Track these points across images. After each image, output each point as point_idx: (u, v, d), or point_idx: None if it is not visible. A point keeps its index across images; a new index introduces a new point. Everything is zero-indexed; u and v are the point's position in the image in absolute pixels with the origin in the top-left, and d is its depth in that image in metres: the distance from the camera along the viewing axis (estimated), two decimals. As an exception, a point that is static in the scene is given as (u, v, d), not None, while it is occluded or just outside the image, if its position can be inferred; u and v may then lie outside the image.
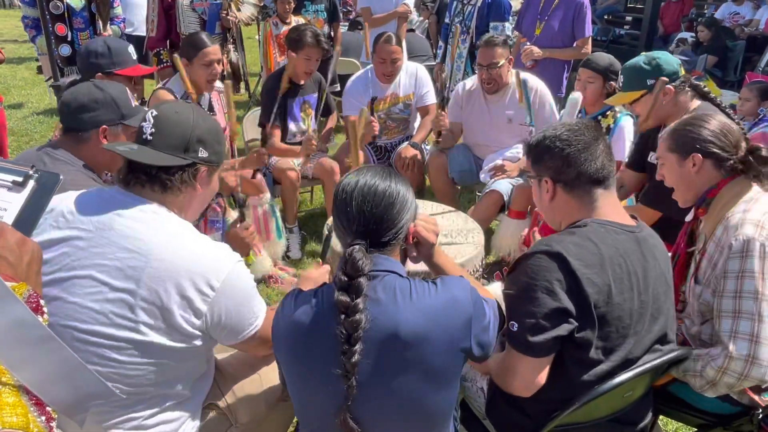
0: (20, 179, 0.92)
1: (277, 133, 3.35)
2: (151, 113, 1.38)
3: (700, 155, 1.62)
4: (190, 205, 1.41)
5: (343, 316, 1.11)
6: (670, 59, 2.31)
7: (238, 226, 1.86)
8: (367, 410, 1.17)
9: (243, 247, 1.80)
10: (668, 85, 2.24)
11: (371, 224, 1.20)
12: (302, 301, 1.21)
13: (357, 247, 1.16)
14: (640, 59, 2.34)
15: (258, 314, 1.39)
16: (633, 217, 1.50)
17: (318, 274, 1.64)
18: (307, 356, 1.19)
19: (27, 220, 0.88)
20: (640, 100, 2.32)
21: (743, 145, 1.62)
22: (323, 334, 1.15)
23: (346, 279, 1.13)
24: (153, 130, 1.36)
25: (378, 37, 3.45)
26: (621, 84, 2.42)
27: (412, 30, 6.00)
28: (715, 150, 1.60)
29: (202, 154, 1.39)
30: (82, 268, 1.24)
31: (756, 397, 1.60)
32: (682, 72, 2.31)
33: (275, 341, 1.24)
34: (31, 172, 0.90)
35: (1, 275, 0.65)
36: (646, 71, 2.29)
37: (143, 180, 1.33)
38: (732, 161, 1.60)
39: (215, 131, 1.45)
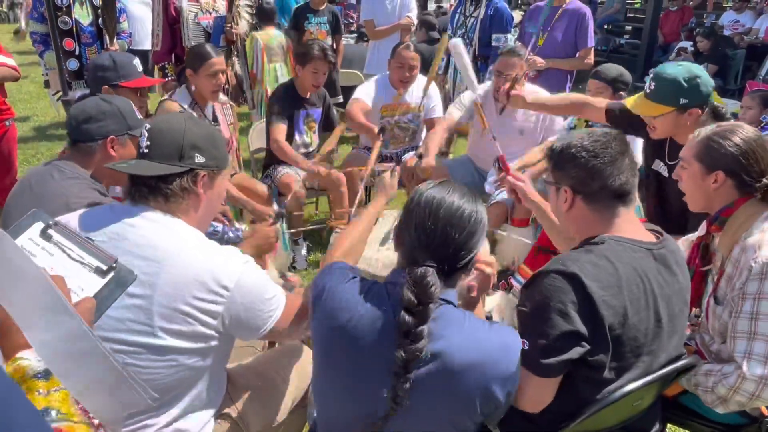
0: (104, 267, 0.99)
1: (282, 128, 3.36)
2: (145, 127, 1.42)
3: (723, 174, 1.59)
4: (197, 211, 1.43)
5: (405, 341, 1.07)
6: (708, 81, 2.13)
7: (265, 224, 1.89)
8: (398, 428, 1.15)
9: (264, 244, 1.81)
10: (697, 109, 2.12)
11: (451, 248, 1.15)
12: (348, 299, 1.17)
13: (430, 270, 1.11)
14: (680, 73, 2.10)
15: (275, 307, 1.39)
16: (657, 231, 1.46)
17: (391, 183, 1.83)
18: (349, 365, 1.16)
19: (96, 307, 0.97)
20: (663, 115, 2.16)
21: None
22: (371, 346, 1.12)
23: (415, 302, 1.08)
24: (148, 143, 1.39)
25: (398, 44, 3.56)
26: (650, 89, 2.18)
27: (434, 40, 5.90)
28: (740, 173, 1.57)
29: (199, 159, 1.40)
30: None
31: (764, 409, 1.61)
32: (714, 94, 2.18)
33: (314, 328, 1.23)
34: (114, 264, 0.99)
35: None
36: (683, 89, 2.09)
37: (145, 192, 1.36)
38: (754, 187, 1.57)
39: (210, 136, 1.46)
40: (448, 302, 1.16)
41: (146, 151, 1.39)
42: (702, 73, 2.13)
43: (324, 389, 1.25)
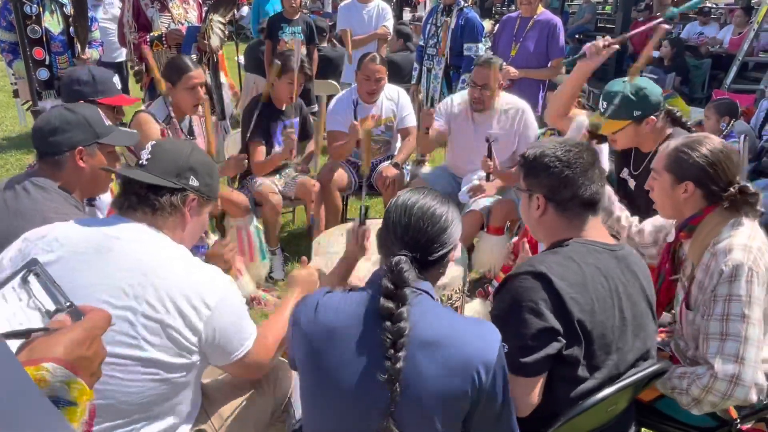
0: (52, 309, 0.88)
1: (261, 150, 3.36)
2: (151, 143, 1.47)
3: (693, 184, 1.64)
4: (182, 233, 1.44)
5: (388, 323, 1.14)
6: (655, 90, 2.26)
7: (217, 242, 1.90)
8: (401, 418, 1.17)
9: (222, 264, 1.82)
10: (652, 116, 2.23)
11: (423, 239, 1.23)
12: (330, 307, 1.23)
13: (404, 257, 1.19)
14: (626, 88, 2.23)
15: (249, 335, 1.42)
16: (614, 236, 1.53)
17: (307, 274, 1.74)
18: (338, 363, 1.19)
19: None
20: (622, 129, 2.26)
21: (738, 179, 1.63)
22: (360, 341, 1.17)
23: (392, 287, 1.16)
24: (149, 156, 1.43)
25: (363, 56, 3.55)
26: (604, 108, 2.30)
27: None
28: (708, 183, 1.62)
29: (193, 182, 1.45)
30: (81, 288, 1.24)
31: (733, 411, 1.65)
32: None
33: (296, 348, 1.26)
34: (68, 305, 0.88)
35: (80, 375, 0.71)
36: (633, 102, 2.22)
37: (134, 202, 1.38)
38: (721, 196, 1.62)
39: (209, 166, 1.52)
40: (426, 292, 1.23)
41: (145, 163, 1.42)
42: (647, 84, 2.26)
43: (315, 396, 1.25)
